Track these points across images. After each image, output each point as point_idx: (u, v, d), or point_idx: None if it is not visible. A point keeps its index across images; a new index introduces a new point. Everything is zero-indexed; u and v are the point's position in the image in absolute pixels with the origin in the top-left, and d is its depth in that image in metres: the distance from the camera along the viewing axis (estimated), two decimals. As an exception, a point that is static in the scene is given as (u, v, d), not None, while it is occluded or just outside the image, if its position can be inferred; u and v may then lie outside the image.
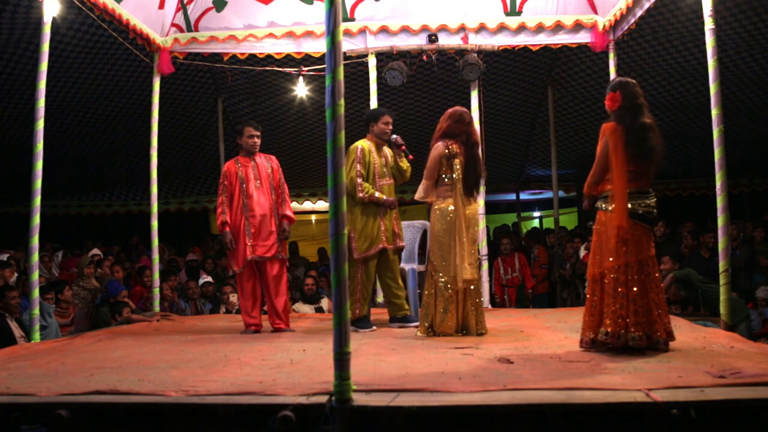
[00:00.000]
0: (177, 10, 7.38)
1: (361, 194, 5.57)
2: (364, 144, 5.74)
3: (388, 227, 5.69)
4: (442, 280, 4.99)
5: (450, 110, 5.20)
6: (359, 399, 2.83)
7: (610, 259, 4.03)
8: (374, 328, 5.58)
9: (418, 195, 5.19)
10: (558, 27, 7.33)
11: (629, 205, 4.03)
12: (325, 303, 7.78)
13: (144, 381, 3.41)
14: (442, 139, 5.13)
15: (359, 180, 5.58)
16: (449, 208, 5.05)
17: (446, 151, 5.07)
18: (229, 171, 5.78)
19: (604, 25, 7.18)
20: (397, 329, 5.57)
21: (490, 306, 7.46)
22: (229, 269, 5.87)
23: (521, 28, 7.37)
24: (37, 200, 5.33)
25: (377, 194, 5.60)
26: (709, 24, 5.12)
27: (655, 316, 3.98)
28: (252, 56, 7.66)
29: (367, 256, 5.58)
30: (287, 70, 8.16)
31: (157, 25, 7.19)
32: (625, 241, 4.00)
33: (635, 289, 3.97)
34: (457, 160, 5.06)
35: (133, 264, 9.43)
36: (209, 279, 8.63)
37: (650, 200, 4.11)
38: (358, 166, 5.60)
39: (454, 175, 5.07)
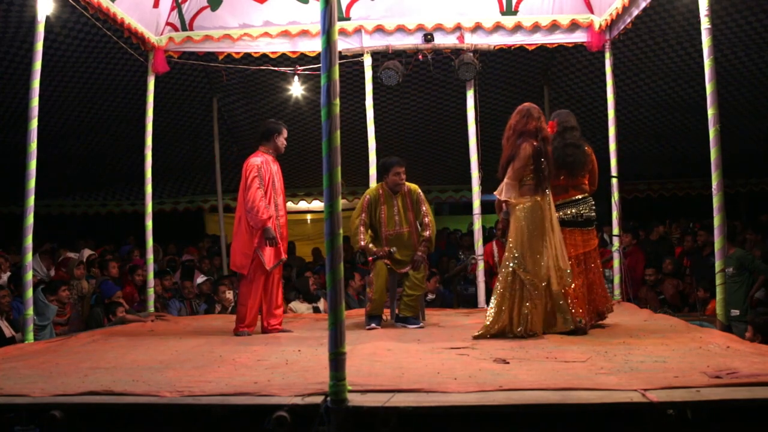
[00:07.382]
0: (172, 9, 7.37)
1: (360, 243, 5.80)
2: (374, 193, 5.92)
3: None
4: (533, 280, 4.81)
5: (519, 107, 5.04)
6: (354, 399, 2.82)
7: None
8: (373, 325, 5.65)
9: (505, 195, 4.89)
10: (554, 26, 7.34)
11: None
12: (321, 303, 7.76)
13: (138, 381, 3.39)
14: (524, 138, 4.90)
15: (361, 228, 5.82)
16: (536, 206, 4.84)
17: (534, 151, 4.85)
18: (263, 167, 5.58)
19: (601, 25, 7.18)
20: (398, 329, 5.60)
21: (485, 306, 7.40)
22: (245, 269, 5.55)
23: (517, 28, 7.39)
24: (31, 200, 5.30)
25: (369, 245, 5.80)
26: (705, 23, 5.13)
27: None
28: (247, 55, 7.66)
29: (378, 255, 5.77)
30: (282, 69, 8.13)
31: (151, 24, 7.17)
32: None
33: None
34: (543, 160, 4.89)
35: (125, 264, 9.37)
36: (206, 278, 8.61)
37: (579, 207, 5.06)
38: (363, 215, 5.84)
39: (540, 174, 4.88)
